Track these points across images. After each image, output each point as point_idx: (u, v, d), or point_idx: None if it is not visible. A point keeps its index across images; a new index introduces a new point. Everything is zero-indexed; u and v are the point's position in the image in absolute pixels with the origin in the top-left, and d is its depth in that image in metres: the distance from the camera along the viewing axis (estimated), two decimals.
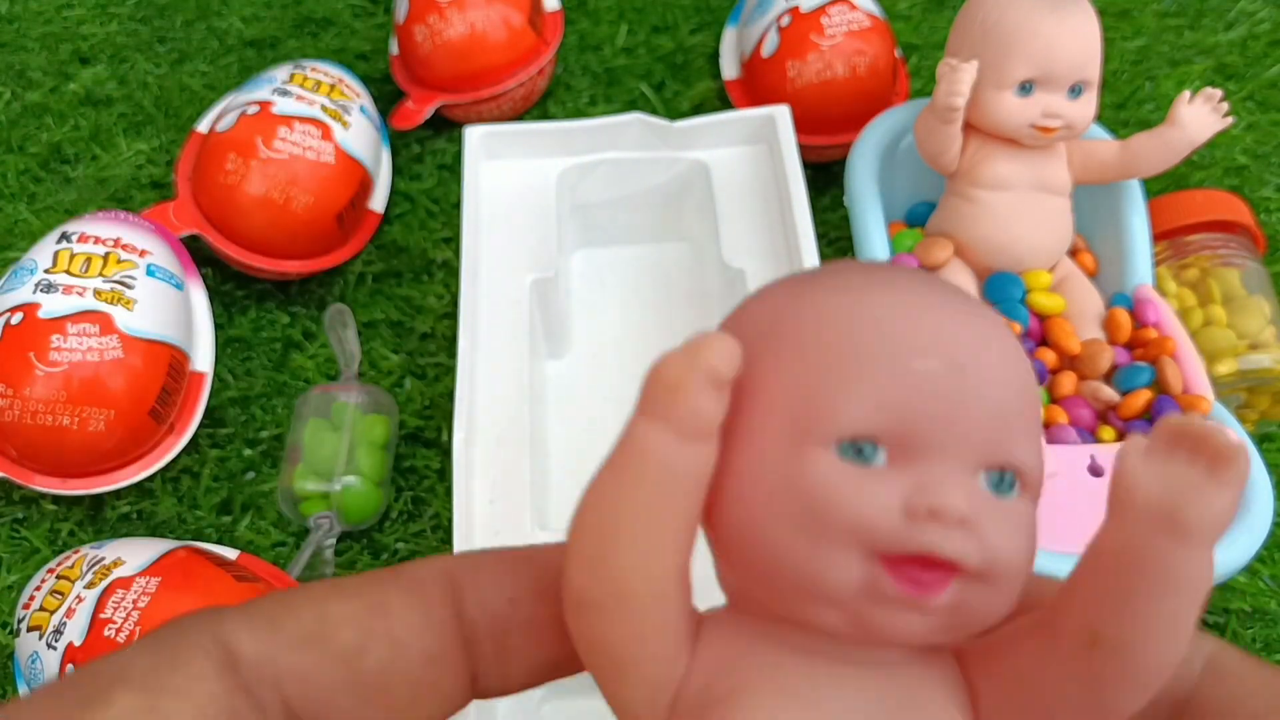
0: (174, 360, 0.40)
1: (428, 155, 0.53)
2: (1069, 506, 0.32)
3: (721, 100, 0.55)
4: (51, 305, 0.38)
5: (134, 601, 0.33)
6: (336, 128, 0.46)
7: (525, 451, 0.36)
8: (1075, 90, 0.41)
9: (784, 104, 0.46)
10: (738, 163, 0.45)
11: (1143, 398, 0.38)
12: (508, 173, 0.45)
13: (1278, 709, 0.13)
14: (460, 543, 0.36)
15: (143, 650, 0.12)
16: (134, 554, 0.35)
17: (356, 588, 0.13)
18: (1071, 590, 0.13)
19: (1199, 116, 0.42)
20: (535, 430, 0.37)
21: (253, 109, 0.45)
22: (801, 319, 0.13)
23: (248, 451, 0.43)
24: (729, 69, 0.55)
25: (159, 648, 0.12)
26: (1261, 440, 0.43)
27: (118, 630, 0.32)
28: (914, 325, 0.13)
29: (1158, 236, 0.45)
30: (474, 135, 0.44)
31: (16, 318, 0.38)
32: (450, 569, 0.13)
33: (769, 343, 0.13)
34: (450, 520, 0.37)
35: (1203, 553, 0.12)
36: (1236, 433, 0.12)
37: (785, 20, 0.51)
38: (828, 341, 0.13)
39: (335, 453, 0.39)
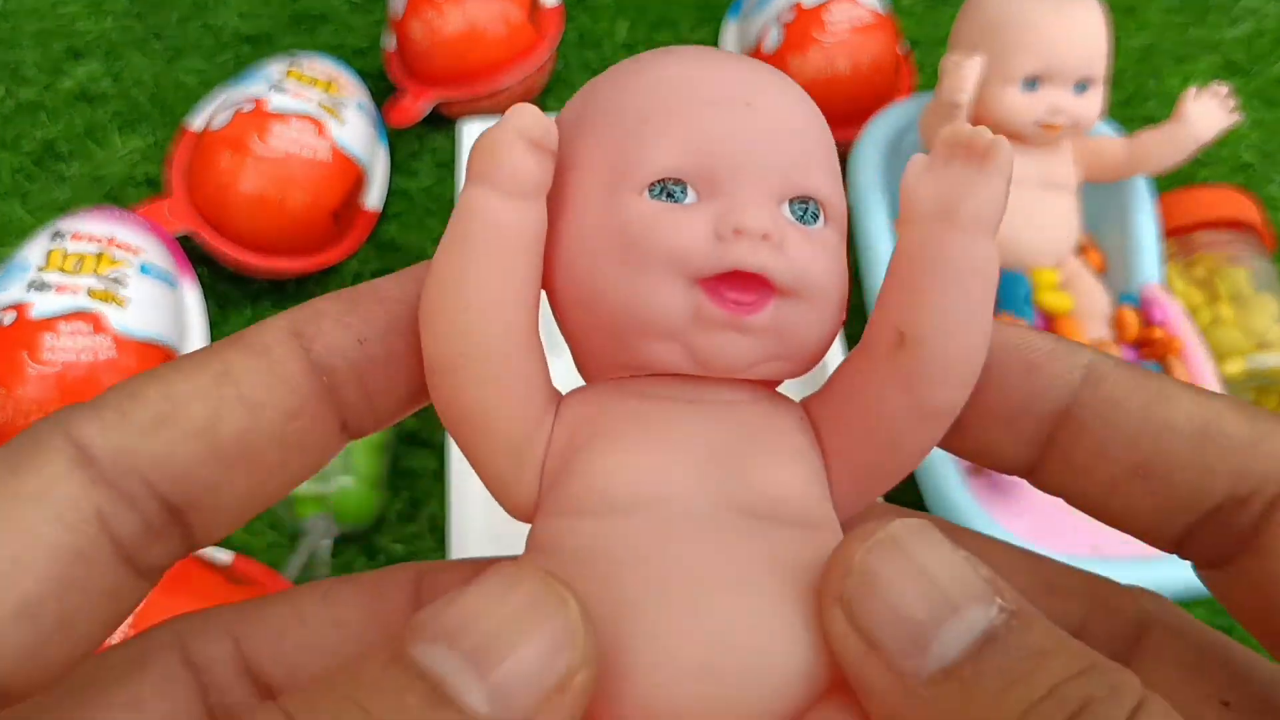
0: (167, 360, 0.40)
1: (425, 152, 0.53)
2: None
3: None
4: (44, 304, 0.38)
5: None
6: (332, 124, 0.45)
7: None
8: (1081, 86, 0.40)
9: None
10: None
11: None
12: None
13: (1155, 403, 0.13)
14: (457, 544, 0.35)
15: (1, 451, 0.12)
16: None
17: (199, 361, 0.13)
18: (880, 301, 0.14)
19: (1206, 112, 0.41)
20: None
21: (248, 105, 0.44)
22: (609, 93, 0.15)
23: None
24: None
25: (10, 454, 0.12)
26: None
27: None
28: (707, 78, 0.14)
29: (1166, 234, 0.45)
30: (472, 131, 0.44)
31: (8, 317, 0.37)
32: (292, 322, 0.13)
33: (584, 121, 0.14)
34: (447, 521, 0.36)
35: (981, 240, 0.13)
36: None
37: (788, 15, 0.50)
38: (632, 106, 0.14)
39: None
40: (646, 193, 0.13)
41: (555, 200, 0.14)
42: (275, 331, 0.13)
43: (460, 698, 0.11)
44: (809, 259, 0.14)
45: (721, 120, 0.14)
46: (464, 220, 0.13)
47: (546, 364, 0.14)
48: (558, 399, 0.15)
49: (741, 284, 0.13)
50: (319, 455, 0.14)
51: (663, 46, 0.15)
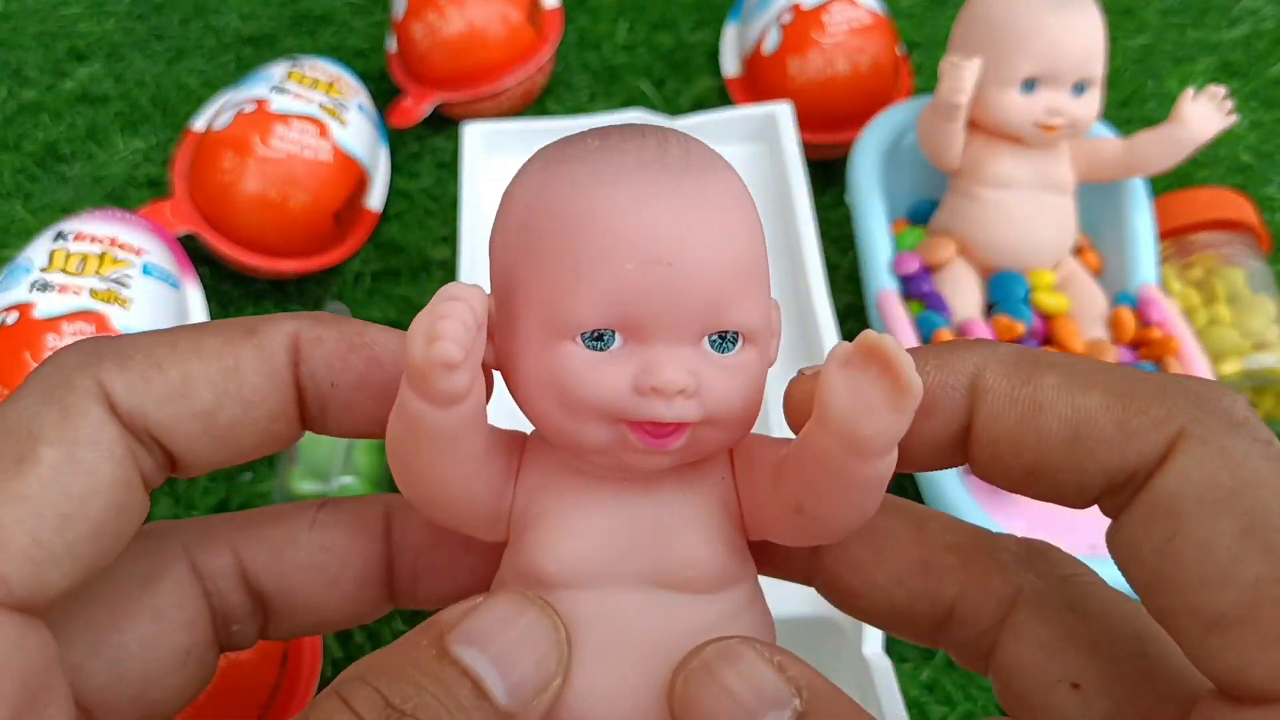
0: None
1: (426, 153, 0.53)
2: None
3: (722, 97, 0.55)
4: (47, 305, 0.38)
5: None
6: (334, 125, 0.45)
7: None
8: (1079, 88, 0.40)
9: (786, 101, 0.45)
10: (739, 160, 0.44)
11: None
12: (507, 170, 0.44)
13: (1029, 415, 0.15)
14: None
15: (38, 400, 0.14)
16: None
17: (216, 350, 0.15)
18: (787, 469, 0.16)
19: (1203, 114, 0.41)
20: (534, 429, 0.37)
21: (249, 107, 0.45)
22: (543, 223, 0.16)
23: None
24: (730, 66, 0.55)
25: (51, 399, 0.14)
26: None
27: None
28: (632, 226, 0.15)
29: (1162, 235, 0.45)
30: (473, 133, 0.44)
31: (11, 317, 0.37)
32: (295, 337, 0.16)
33: (524, 247, 0.16)
34: None
35: (878, 460, 0.15)
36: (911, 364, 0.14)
37: (787, 17, 0.51)
38: (562, 250, 0.16)
39: (332, 453, 0.39)
40: (580, 338, 0.15)
41: (506, 319, 0.16)
42: (282, 338, 0.16)
43: (490, 693, 0.14)
44: (723, 390, 0.16)
45: (644, 277, 0.15)
46: (406, 420, 0.15)
47: (503, 463, 0.17)
48: (523, 444, 0.17)
49: (658, 424, 0.15)
50: (281, 445, 0.16)
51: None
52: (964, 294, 0.42)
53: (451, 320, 0.14)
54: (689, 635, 0.16)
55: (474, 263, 0.40)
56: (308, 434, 0.44)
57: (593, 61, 0.57)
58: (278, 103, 0.45)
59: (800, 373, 0.17)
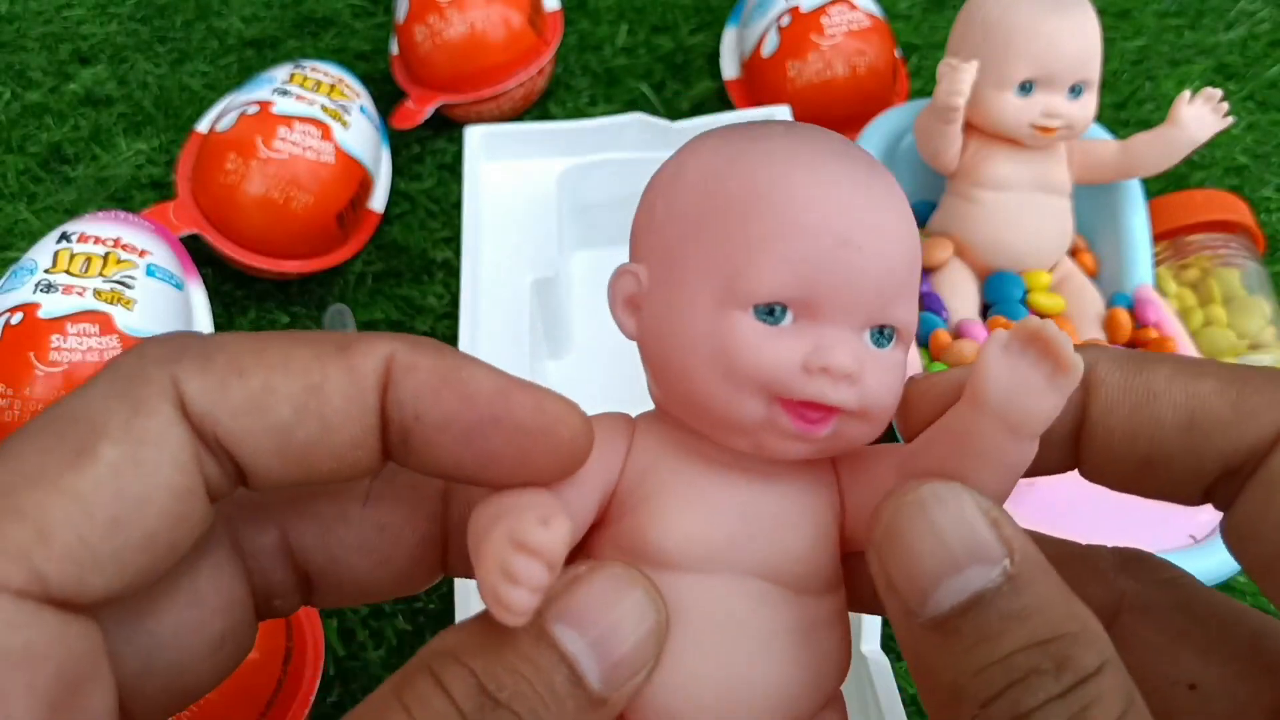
0: None
1: (428, 155, 0.53)
2: (1067, 506, 0.32)
3: (722, 100, 0.55)
4: (51, 305, 0.38)
5: None
6: (336, 127, 0.46)
7: None
8: (1075, 90, 0.41)
9: (784, 104, 0.46)
10: None
11: None
12: (508, 173, 0.45)
13: (1143, 404, 0.15)
14: None
15: (108, 394, 0.13)
16: None
17: (303, 364, 0.14)
18: (925, 447, 0.16)
19: (1199, 116, 0.42)
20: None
21: (253, 109, 0.45)
22: (729, 194, 0.16)
23: None
24: (729, 69, 0.55)
25: (123, 392, 0.13)
26: None
27: None
28: (820, 206, 0.15)
29: (1158, 236, 0.45)
30: (474, 135, 0.44)
31: (16, 318, 0.38)
32: (389, 361, 0.14)
33: (702, 215, 0.16)
34: None
35: (1028, 444, 0.15)
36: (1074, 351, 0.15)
37: (785, 20, 0.51)
38: (748, 220, 0.16)
39: None
40: (752, 311, 0.15)
41: (666, 292, 0.16)
42: (375, 361, 0.14)
43: (584, 678, 0.14)
44: (878, 383, 0.16)
45: (828, 257, 0.15)
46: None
47: (617, 444, 0.17)
48: (633, 427, 0.17)
49: (815, 406, 0.16)
50: (362, 473, 0.15)
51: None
52: (961, 295, 0.42)
53: (532, 573, 0.14)
54: (786, 633, 0.16)
55: (475, 264, 0.40)
56: None
57: (593, 64, 0.57)
58: (281, 105, 0.45)
59: (912, 379, 0.17)
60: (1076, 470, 0.17)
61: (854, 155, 0.16)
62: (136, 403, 0.13)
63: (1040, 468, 0.16)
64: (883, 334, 0.16)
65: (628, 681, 0.14)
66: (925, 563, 0.14)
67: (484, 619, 0.14)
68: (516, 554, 0.14)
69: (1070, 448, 0.16)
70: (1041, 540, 0.16)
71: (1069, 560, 0.16)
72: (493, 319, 0.39)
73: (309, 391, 0.14)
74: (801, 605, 0.16)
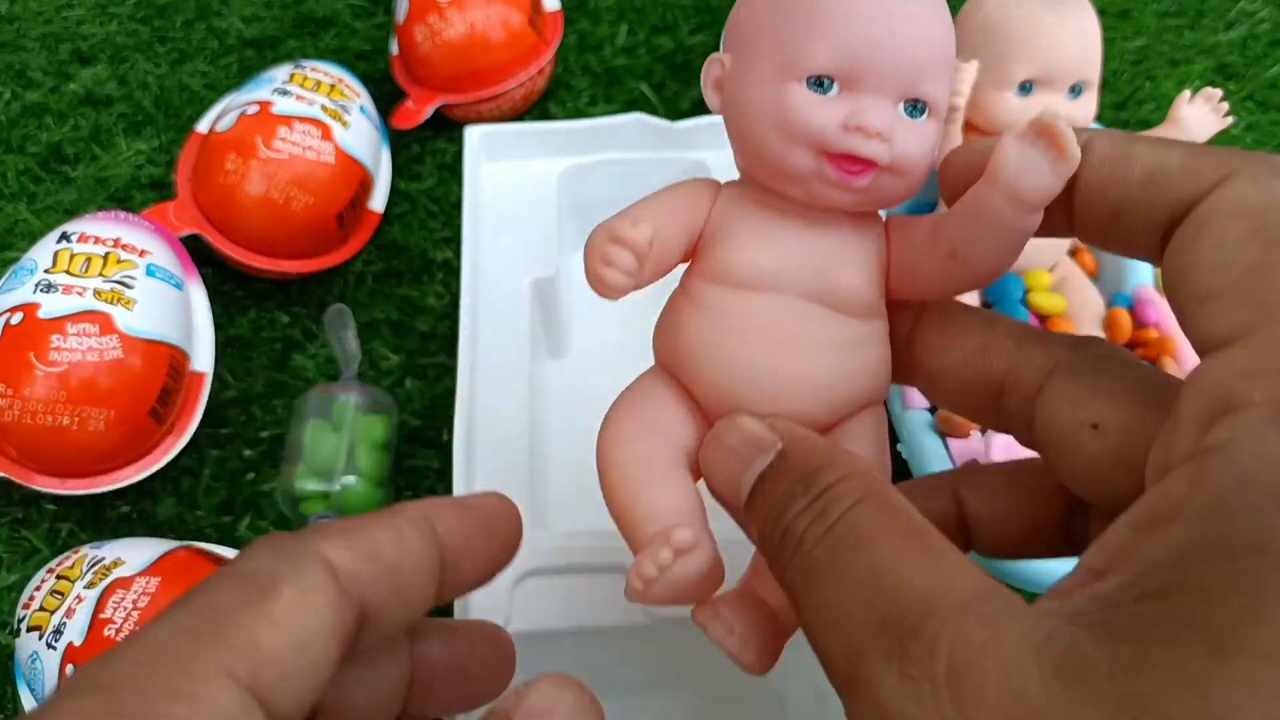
0: (174, 360, 0.40)
1: (428, 155, 0.53)
2: None
3: None
4: (51, 305, 0.38)
5: (134, 602, 0.33)
6: (336, 128, 0.46)
7: (525, 451, 0.36)
8: (1075, 90, 0.41)
9: None
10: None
11: None
12: (508, 173, 0.45)
13: (1120, 159, 0.18)
14: None
15: (270, 555, 0.16)
16: (134, 554, 0.35)
17: (388, 522, 0.18)
18: (948, 221, 0.20)
19: (1199, 116, 0.42)
20: (535, 430, 0.37)
21: (253, 109, 0.45)
22: None
23: (248, 451, 0.43)
24: None
25: (284, 556, 0.16)
26: None
27: (118, 630, 0.32)
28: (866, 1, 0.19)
29: None
30: (474, 135, 0.44)
31: (16, 318, 0.38)
32: (427, 513, 0.19)
33: (771, 10, 0.20)
34: None
35: (1031, 215, 0.18)
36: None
37: None
38: (806, 11, 0.19)
39: (335, 453, 0.39)
40: (805, 82, 0.19)
41: (741, 71, 0.20)
42: (419, 514, 0.19)
43: None
44: (908, 143, 0.20)
45: (871, 37, 0.19)
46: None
47: (700, 202, 0.22)
48: (715, 194, 0.22)
49: (854, 159, 0.19)
50: (430, 602, 0.19)
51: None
52: (961, 295, 0.42)
53: (623, 258, 0.20)
54: (828, 341, 0.21)
55: (475, 264, 0.40)
56: (311, 432, 0.44)
57: (593, 64, 0.57)
58: (281, 105, 0.45)
59: (953, 150, 0.20)
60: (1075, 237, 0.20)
61: None
62: (297, 561, 0.16)
63: (1045, 231, 0.19)
64: (915, 106, 0.20)
65: None
66: (729, 470, 0.19)
67: None
68: (611, 244, 0.20)
69: (1068, 212, 0.19)
70: (1016, 324, 0.21)
71: (1028, 337, 0.20)
72: (492, 319, 0.39)
73: (398, 539, 0.18)
74: (843, 324, 0.21)
